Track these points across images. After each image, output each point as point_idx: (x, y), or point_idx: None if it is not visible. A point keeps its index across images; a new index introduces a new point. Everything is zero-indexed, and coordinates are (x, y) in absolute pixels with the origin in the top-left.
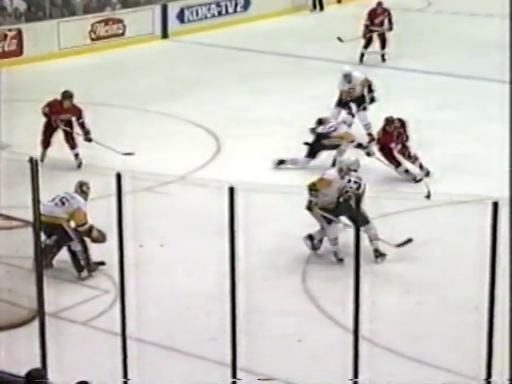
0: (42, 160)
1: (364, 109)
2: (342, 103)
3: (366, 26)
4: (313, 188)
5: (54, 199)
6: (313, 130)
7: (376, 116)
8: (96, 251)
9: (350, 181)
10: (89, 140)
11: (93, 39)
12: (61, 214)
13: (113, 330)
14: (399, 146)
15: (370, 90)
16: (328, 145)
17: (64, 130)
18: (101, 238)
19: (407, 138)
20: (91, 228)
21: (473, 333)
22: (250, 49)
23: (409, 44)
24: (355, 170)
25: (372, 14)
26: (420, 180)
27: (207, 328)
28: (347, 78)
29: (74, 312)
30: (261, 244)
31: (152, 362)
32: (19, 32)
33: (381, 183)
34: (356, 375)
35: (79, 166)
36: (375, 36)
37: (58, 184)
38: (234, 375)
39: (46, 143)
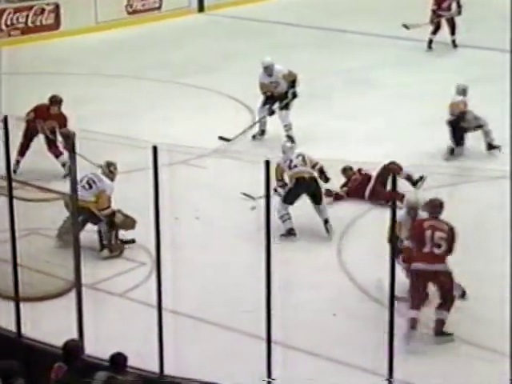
0: (14, 171)
1: (286, 106)
2: (267, 99)
3: (434, 11)
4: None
5: (81, 180)
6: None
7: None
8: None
9: (291, 161)
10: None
11: (129, 13)
12: (89, 197)
13: (149, 302)
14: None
15: (293, 86)
16: (469, 126)
17: (47, 138)
18: (126, 224)
19: (398, 172)
20: (114, 212)
21: (498, 307)
22: (285, 22)
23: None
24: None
25: None
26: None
27: (242, 300)
28: (267, 70)
29: (110, 284)
30: (296, 216)
31: (187, 333)
32: (56, 6)
33: (413, 158)
34: (391, 349)
35: (66, 176)
36: (444, 21)
37: None
38: (269, 348)
39: (22, 152)
